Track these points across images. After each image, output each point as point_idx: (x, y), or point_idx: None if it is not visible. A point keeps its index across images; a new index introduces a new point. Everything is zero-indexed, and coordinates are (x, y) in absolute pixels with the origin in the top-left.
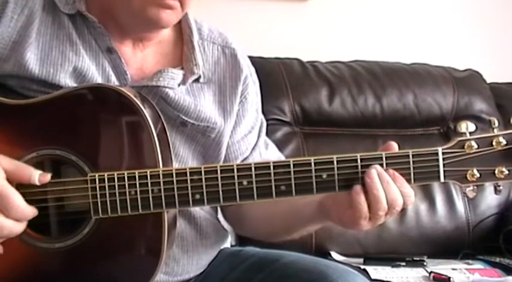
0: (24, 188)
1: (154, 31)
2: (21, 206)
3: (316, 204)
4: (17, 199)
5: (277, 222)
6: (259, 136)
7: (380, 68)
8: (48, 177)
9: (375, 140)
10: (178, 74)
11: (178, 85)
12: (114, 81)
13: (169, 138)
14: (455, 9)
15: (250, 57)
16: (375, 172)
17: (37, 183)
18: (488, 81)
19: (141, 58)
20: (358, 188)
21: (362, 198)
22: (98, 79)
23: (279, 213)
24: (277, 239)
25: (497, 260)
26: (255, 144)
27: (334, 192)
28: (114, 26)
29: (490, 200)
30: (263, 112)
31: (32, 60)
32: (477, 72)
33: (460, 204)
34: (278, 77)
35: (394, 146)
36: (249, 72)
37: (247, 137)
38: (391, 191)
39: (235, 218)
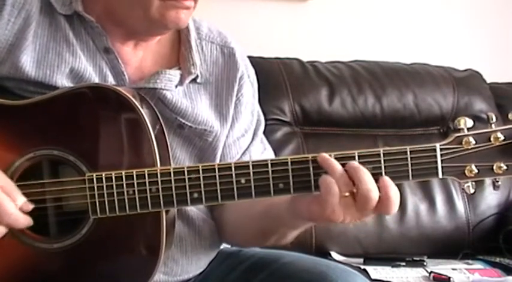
0: (22, 188)
1: (166, 33)
2: (14, 214)
3: (287, 203)
4: (10, 207)
5: (252, 225)
6: (253, 139)
7: (380, 68)
8: (30, 207)
9: (374, 140)
10: (175, 74)
11: (176, 86)
12: (111, 81)
13: (167, 140)
14: (455, 9)
15: (250, 57)
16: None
17: None
18: (488, 81)
19: (141, 57)
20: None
21: (329, 177)
22: (95, 79)
23: (254, 216)
24: (252, 244)
25: (497, 260)
26: (246, 148)
27: None
28: (115, 27)
29: (490, 200)
30: (263, 112)
31: (28, 62)
32: (477, 72)
33: (460, 204)
34: (278, 77)
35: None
36: (246, 72)
37: (239, 141)
38: (356, 170)
39: (217, 223)
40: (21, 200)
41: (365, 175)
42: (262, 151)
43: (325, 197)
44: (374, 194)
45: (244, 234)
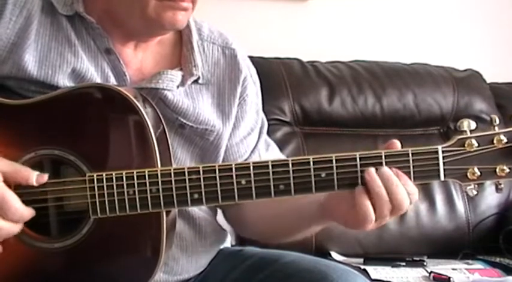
0: (23, 188)
1: (164, 33)
2: (19, 208)
3: (319, 203)
4: (14, 201)
5: (281, 222)
6: (259, 137)
7: (380, 68)
8: (45, 177)
9: (375, 140)
10: (177, 75)
11: (177, 87)
12: (112, 82)
13: (169, 140)
14: (455, 9)
15: (250, 57)
16: (374, 170)
17: (35, 184)
18: (488, 81)
19: (141, 59)
20: (360, 188)
21: (366, 200)
22: (97, 80)
23: (282, 213)
24: (279, 240)
25: (497, 260)
26: (255, 147)
27: (333, 191)
28: (115, 28)
29: (490, 200)
30: (263, 112)
31: (30, 62)
32: (477, 72)
33: (460, 204)
34: (278, 77)
35: (397, 144)
36: (248, 73)
37: (246, 139)
38: (397, 191)
39: (236, 220)
40: (34, 174)
41: (397, 188)
42: (267, 148)
43: (362, 220)
44: (406, 202)
45: (271, 229)
